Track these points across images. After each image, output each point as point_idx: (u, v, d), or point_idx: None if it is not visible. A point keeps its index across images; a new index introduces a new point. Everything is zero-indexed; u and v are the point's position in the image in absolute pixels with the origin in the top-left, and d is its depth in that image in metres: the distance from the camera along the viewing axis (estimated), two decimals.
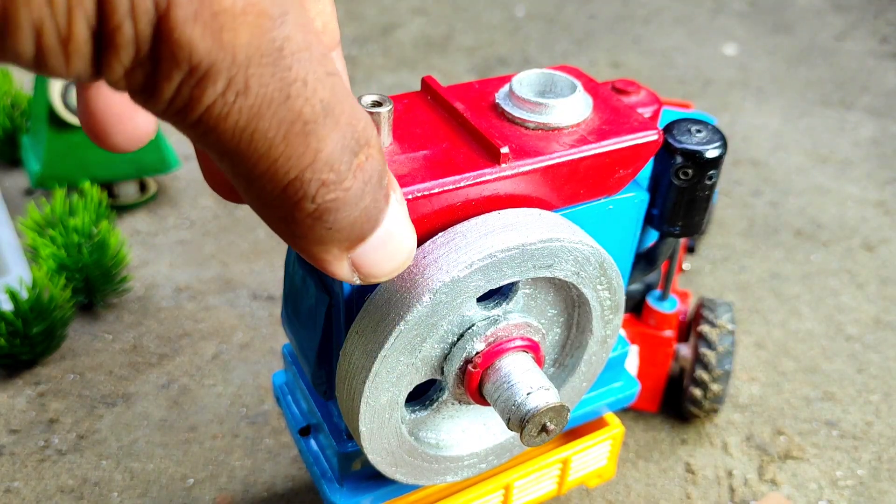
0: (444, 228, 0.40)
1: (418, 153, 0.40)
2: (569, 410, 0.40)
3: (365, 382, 0.39)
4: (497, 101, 0.43)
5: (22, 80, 1.06)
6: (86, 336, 0.70)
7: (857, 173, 0.99)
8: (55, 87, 0.73)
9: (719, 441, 0.64)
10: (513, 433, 0.47)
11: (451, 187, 0.38)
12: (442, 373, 0.42)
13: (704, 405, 0.61)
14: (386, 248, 0.27)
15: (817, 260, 0.84)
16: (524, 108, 0.42)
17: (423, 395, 0.45)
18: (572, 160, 0.41)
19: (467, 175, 0.38)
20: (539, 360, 0.42)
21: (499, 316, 0.41)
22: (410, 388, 0.42)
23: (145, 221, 0.84)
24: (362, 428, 0.41)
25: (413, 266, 0.39)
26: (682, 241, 0.62)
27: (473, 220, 0.39)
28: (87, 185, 0.74)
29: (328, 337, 0.43)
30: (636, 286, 0.61)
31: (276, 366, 0.68)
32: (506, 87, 0.43)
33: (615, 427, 0.52)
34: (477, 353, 0.41)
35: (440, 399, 0.44)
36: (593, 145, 0.41)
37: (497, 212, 0.40)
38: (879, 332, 0.75)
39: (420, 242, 0.39)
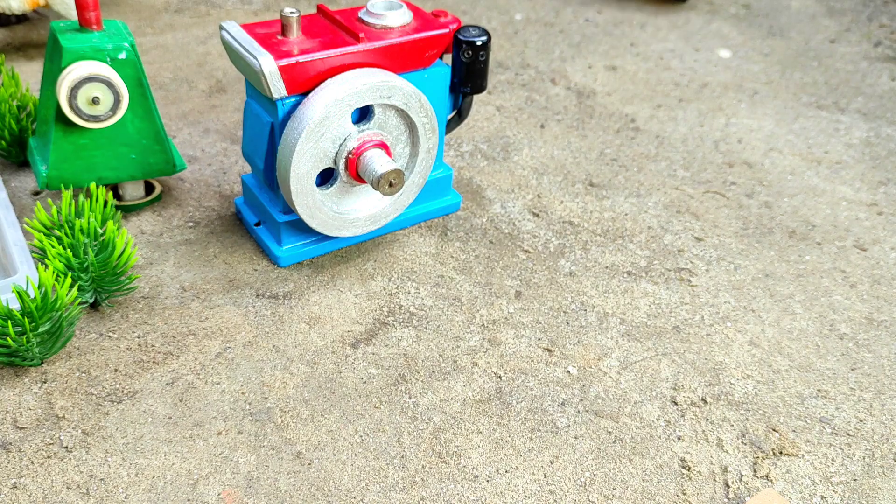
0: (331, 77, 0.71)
1: (316, 39, 0.72)
2: (403, 173, 0.70)
3: (292, 156, 0.69)
4: (360, 14, 0.75)
5: (29, 81, 1.07)
6: (92, 334, 0.71)
7: (850, 175, 1.00)
8: (63, 88, 0.74)
9: (714, 437, 0.65)
10: (379, 207, 0.78)
11: (333, 55, 0.70)
12: (335, 164, 0.73)
13: None
14: None
15: (810, 260, 0.86)
16: (373, 17, 0.74)
17: (329, 180, 0.76)
18: (399, 42, 0.74)
19: (342, 48, 0.71)
20: (388, 154, 0.72)
21: (364, 129, 0.72)
22: (319, 168, 0.72)
23: (151, 222, 0.85)
24: (292, 187, 0.70)
25: (314, 95, 0.69)
26: None
27: (347, 72, 0.71)
28: (93, 186, 0.74)
29: (271, 144, 0.73)
30: None
31: (279, 363, 0.69)
32: (365, 7, 0.75)
33: None
34: (352, 149, 0.71)
35: (338, 180, 0.74)
36: (411, 35, 0.74)
37: (359, 69, 0.72)
38: (872, 330, 0.77)
39: (318, 85, 0.70)
